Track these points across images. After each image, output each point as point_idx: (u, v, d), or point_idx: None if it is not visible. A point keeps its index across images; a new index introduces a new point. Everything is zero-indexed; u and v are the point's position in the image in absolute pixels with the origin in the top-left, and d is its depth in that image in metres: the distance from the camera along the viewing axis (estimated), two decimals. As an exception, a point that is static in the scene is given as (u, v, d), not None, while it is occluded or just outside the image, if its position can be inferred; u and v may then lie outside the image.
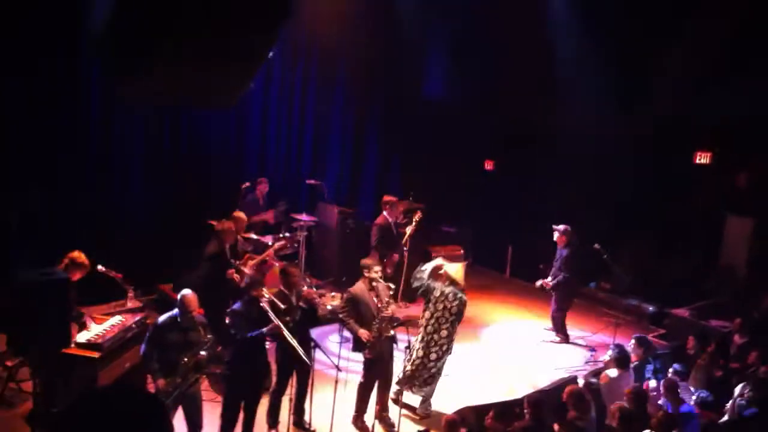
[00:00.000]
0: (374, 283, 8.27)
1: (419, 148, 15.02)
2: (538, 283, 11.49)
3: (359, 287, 8.31)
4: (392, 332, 8.24)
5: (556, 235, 11.30)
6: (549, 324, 11.80)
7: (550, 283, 11.29)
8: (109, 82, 10.07)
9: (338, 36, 13.12)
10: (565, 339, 11.55)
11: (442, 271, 8.59)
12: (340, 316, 8.24)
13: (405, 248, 11.58)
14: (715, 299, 12.19)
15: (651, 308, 12.65)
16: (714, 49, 11.68)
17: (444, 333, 8.43)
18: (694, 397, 7.87)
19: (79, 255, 7.51)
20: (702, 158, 13.08)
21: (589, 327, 12.31)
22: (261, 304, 7.27)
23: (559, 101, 12.92)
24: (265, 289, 7.44)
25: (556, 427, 7.11)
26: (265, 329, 7.23)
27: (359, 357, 8.33)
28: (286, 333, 7.24)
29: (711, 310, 11.54)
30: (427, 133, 14.89)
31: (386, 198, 11.70)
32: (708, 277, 12.98)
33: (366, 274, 8.27)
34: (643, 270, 13.05)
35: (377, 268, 8.31)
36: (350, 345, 8.46)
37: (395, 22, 13.68)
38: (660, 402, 7.88)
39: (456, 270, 8.59)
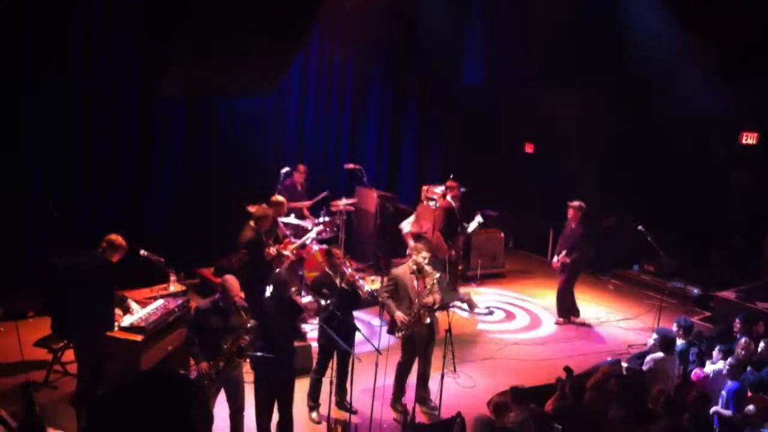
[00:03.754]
0: (425, 268, 8.21)
1: (458, 132, 14.93)
2: (555, 259, 11.28)
3: (402, 269, 8.29)
4: (428, 320, 8.18)
5: (570, 212, 11.18)
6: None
7: (568, 260, 11.11)
8: (146, 74, 10.32)
9: (375, 19, 13.06)
10: (568, 319, 11.49)
11: None
12: (383, 295, 8.19)
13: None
14: (763, 281, 11.94)
15: (696, 291, 12.46)
16: (760, 25, 11.42)
17: None
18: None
19: (116, 237, 7.56)
20: (748, 139, 12.79)
21: (632, 310, 12.17)
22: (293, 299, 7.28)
23: (598, 80, 12.73)
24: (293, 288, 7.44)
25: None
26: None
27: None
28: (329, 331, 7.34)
29: (758, 292, 11.29)
30: (465, 116, 14.80)
31: (450, 183, 11.72)
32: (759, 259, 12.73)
33: (414, 257, 8.23)
34: (687, 252, 12.84)
35: (425, 254, 8.23)
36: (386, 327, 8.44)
37: (433, 4, 13.56)
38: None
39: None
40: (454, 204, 11.52)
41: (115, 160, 11.10)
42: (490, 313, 11.66)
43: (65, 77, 10.36)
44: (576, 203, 11.16)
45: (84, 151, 10.74)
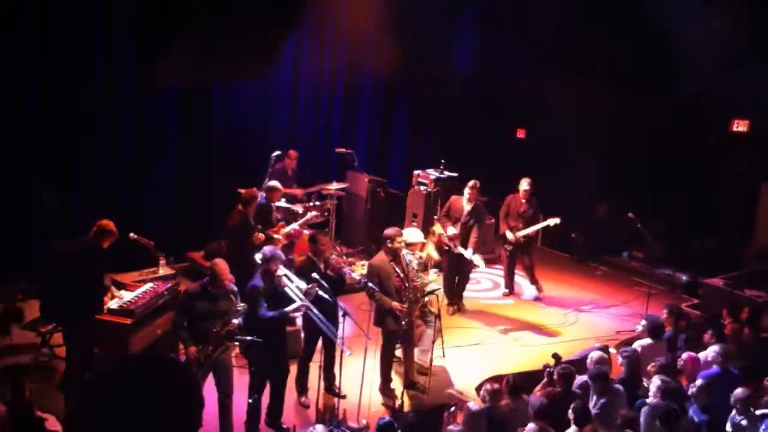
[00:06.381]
0: (401, 254, 8.22)
1: (450, 117, 14.90)
2: (515, 235, 11.23)
3: (380, 258, 8.24)
4: (427, 299, 8.23)
5: (520, 192, 11.29)
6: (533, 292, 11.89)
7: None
8: (140, 63, 10.31)
9: (368, 5, 12.99)
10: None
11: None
12: (370, 286, 8.02)
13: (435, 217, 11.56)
14: (751, 268, 12.01)
15: (684, 278, 12.49)
16: (753, 14, 11.41)
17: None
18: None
19: (107, 223, 7.53)
20: (739, 126, 12.80)
21: (620, 296, 12.20)
22: (279, 281, 7.24)
23: (588, 70, 12.72)
24: (281, 265, 7.37)
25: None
26: (287, 309, 7.20)
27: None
28: (314, 312, 7.28)
29: (746, 280, 11.35)
30: (457, 102, 14.76)
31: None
32: (748, 247, 12.78)
33: (389, 245, 8.20)
34: (676, 239, 12.89)
35: (400, 238, 8.23)
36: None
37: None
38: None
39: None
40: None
41: (115, 157, 11.08)
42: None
43: (65, 77, 10.30)
44: (525, 185, 11.24)
45: (84, 150, 10.72)
